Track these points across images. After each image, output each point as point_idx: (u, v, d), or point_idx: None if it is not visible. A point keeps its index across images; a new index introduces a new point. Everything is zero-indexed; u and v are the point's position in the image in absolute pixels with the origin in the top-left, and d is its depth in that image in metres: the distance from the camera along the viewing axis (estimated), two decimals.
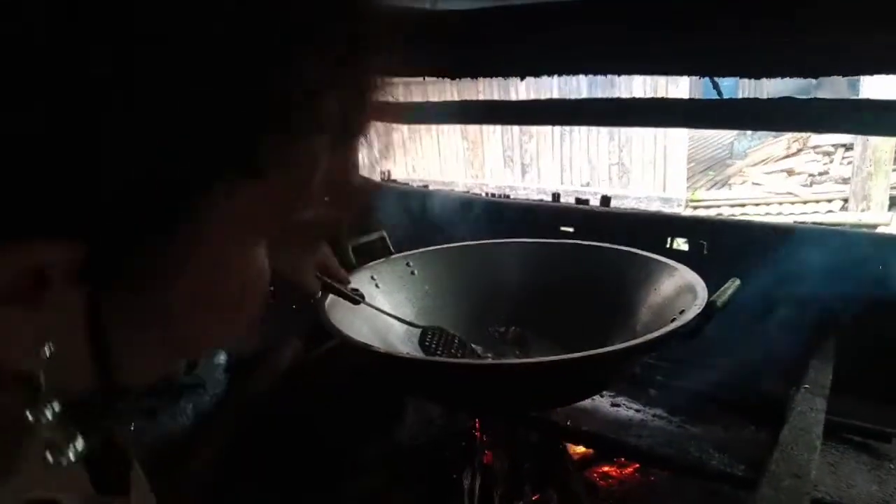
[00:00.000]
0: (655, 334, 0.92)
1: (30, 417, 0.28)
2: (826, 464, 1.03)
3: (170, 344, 0.35)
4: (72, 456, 0.30)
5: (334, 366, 1.51)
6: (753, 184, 7.50)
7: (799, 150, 7.91)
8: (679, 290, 1.17)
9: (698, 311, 0.98)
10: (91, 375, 0.31)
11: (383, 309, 1.17)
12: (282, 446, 1.35)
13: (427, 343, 1.18)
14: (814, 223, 1.51)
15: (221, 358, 1.62)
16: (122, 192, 0.25)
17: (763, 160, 8.09)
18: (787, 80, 1.24)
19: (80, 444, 0.30)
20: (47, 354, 0.28)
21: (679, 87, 5.63)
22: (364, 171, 1.94)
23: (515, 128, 7.43)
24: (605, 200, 1.65)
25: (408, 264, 1.44)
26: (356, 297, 0.99)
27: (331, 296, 1.24)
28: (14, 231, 0.24)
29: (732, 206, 6.59)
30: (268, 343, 1.76)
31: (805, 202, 6.41)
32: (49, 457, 0.29)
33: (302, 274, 0.81)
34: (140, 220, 0.26)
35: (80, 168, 0.24)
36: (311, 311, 1.98)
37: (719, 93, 1.65)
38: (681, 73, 1.39)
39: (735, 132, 8.64)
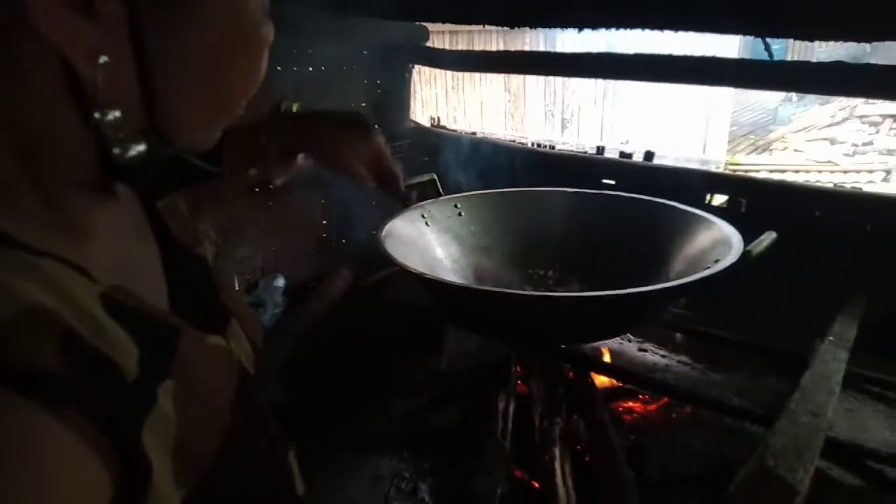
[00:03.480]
0: (692, 277, 0.99)
1: (94, 115, 0.34)
2: (844, 409, 1.11)
3: (207, 94, 0.39)
4: (134, 152, 0.36)
5: (381, 296, 1.62)
6: (795, 150, 7.36)
7: (844, 119, 7.70)
8: (715, 241, 1.22)
9: (734, 259, 1.04)
10: (142, 118, 0.36)
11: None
12: (335, 367, 1.47)
13: None
14: (852, 187, 1.54)
15: (280, 282, 1.74)
16: None
17: (806, 127, 7.90)
18: (838, 47, 1.26)
19: (141, 146, 0.36)
20: (100, 62, 0.32)
21: (727, 48, 5.49)
22: (414, 117, 2.02)
23: (558, 83, 7.35)
24: (649, 155, 1.70)
25: (456, 206, 1.51)
26: (405, 198, 0.90)
27: (385, 230, 1.33)
28: None
29: (771, 171, 6.49)
30: (321, 272, 1.87)
31: (846, 171, 6.29)
32: (116, 151, 0.35)
33: (345, 162, 0.74)
34: None
35: None
36: (360, 245, 2.09)
37: (770, 54, 1.66)
38: (734, 32, 1.41)
39: (780, 98, 8.43)
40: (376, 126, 0.75)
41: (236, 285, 1.76)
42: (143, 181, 0.43)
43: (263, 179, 0.69)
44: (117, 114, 0.34)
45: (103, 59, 0.33)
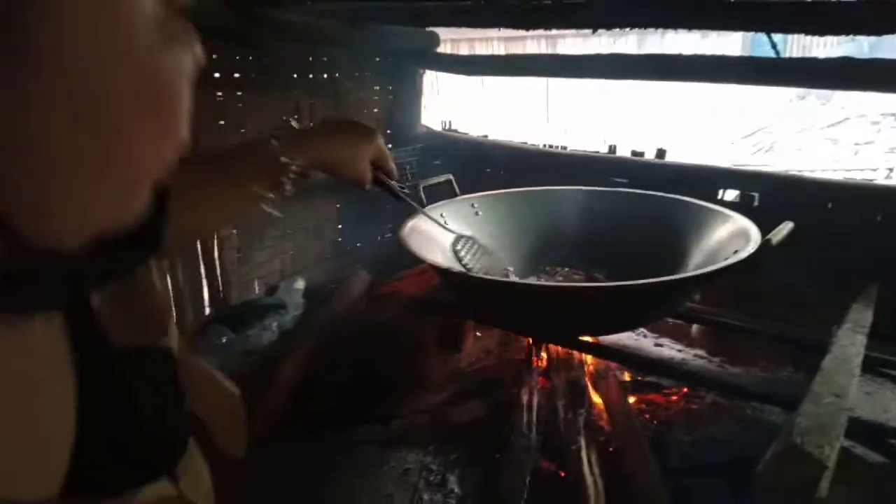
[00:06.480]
0: (715, 266, 1.01)
1: None
2: (863, 392, 1.13)
3: (87, 171, 0.26)
4: None
5: (399, 297, 1.64)
6: (797, 150, 7.39)
7: (845, 119, 7.74)
8: (732, 234, 1.25)
9: (752, 250, 1.06)
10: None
11: (426, 212, 1.25)
12: (355, 364, 1.50)
13: (458, 249, 1.27)
14: (863, 180, 1.57)
15: (300, 284, 1.77)
16: None
17: (808, 128, 7.94)
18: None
19: None
20: None
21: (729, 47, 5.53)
22: (424, 120, 2.05)
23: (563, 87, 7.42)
24: (661, 153, 1.73)
25: (473, 205, 1.54)
26: (402, 194, 0.94)
27: (408, 227, 1.35)
28: None
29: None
30: (338, 275, 1.91)
31: (849, 170, 6.32)
32: None
33: (356, 163, 0.75)
34: None
35: None
36: (375, 248, 2.12)
37: (777, 52, 1.69)
38: (740, 29, 1.44)
39: (781, 99, 8.47)
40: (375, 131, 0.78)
41: (256, 289, 1.79)
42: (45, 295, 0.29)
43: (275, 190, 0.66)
44: None
45: None
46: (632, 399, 1.41)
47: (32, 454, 0.29)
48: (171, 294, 1.54)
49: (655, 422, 1.36)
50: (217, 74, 1.57)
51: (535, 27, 1.37)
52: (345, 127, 0.77)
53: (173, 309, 0.37)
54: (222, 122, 1.62)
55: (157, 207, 0.31)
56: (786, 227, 1.10)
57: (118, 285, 0.35)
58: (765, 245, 1.04)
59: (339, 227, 2.06)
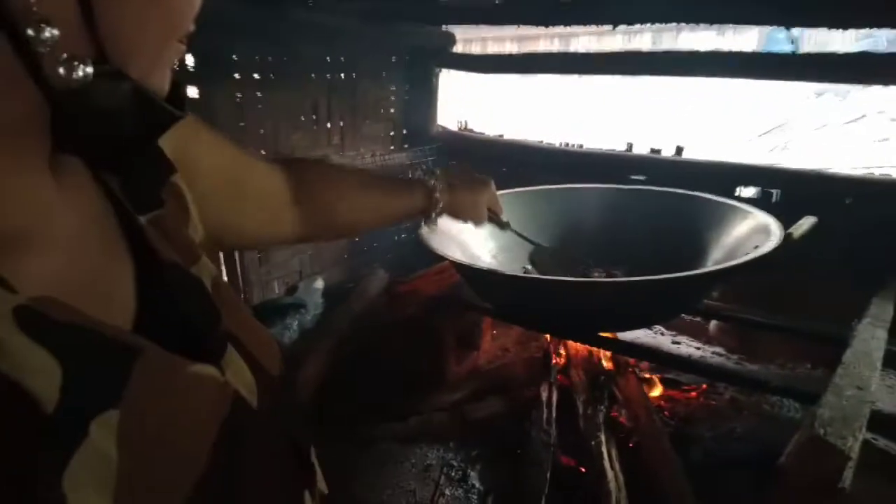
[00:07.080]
0: (736, 261, 1.01)
1: (29, 32, 0.28)
2: (885, 386, 1.13)
3: (151, 10, 0.33)
4: (80, 74, 0.30)
5: (417, 295, 1.65)
6: (814, 147, 7.32)
7: (863, 116, 7.66)
8: (752, 230, 1.24)
9: (774, 245, 1.06)
10: (83, 43, 0.30)
11: (521, 233, 1.29)
12: (375, 363, 1.51)
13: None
14: (883, 175, 1.56)
15: (319, 284, 1.78)
16: None
17: (825, 125, 7.86)
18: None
19: (88, 68, 0.30)
20: None
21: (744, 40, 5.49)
22: (441, 121, 2.05)
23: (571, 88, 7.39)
24: (679, 150, 1.73)
25: None
26: (505, 224, 1.13)
27: (425, 229, 1.36)
28: None
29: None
30: (356, 274, 1.92)
31: (867, 167, 6.25)
32: (62, 71, 0.29)
33: (475, 211, 0.96)
34: None
35: None
36: (392, 248, 2.12)
37: (796, 46, 1.69)
38: (760, 23, 1.44)
39: (798, 96, 8.40)
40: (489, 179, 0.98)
41: (276, 289, 1.81)
42: (102, 142, 0.35)
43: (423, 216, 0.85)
44: (55, 31, 0.28)
45: None
46: (650, 393, 1.41)
47: (109, 300, 0.36)
48: None
49: (675, 418, 1.37)
50: (237, 75, 1.59)
51: (555, 24, 1.37)
52: (468, 180, 0.95)
53: (204, 257, 0.44)
54: (242, 124, 1.64)
55: (177, 92, 0.38)
56: (807, 222, 1.09)
57: (158, 214, 0.43)
58: (786, 239, 1.03)
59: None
